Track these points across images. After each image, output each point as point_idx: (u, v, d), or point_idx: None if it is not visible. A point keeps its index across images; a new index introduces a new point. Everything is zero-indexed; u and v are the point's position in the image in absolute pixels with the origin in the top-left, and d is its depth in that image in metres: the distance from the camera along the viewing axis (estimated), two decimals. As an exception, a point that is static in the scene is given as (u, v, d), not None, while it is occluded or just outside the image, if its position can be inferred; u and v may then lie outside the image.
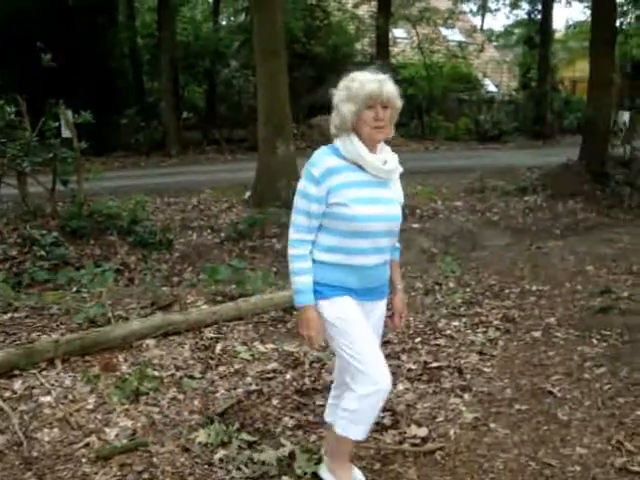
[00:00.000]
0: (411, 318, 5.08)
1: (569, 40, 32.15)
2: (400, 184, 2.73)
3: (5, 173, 8.61)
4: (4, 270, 6.86)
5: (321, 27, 21.69)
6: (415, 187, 11.91)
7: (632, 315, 4.85)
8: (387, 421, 3.47)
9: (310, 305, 2.60)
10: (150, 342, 4.44)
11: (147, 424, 3.44)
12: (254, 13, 11.93)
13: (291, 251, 2.63)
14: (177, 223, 9.84)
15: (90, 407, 3.61)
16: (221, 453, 3.15)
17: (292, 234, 2.63)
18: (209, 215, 10.50)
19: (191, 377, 4.01)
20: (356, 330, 2.59)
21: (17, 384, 3.80)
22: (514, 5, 31.48)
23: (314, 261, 2.61)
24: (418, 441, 3.28)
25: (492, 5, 38.96)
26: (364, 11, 24.14)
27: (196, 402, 3.71)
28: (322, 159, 2.57)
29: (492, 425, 3.41)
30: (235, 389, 3.89)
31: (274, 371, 4.15)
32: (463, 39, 28.21)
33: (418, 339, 4.70)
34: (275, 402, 3.74)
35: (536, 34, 24.46)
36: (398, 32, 26.10)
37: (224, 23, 24.41)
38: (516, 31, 34.69)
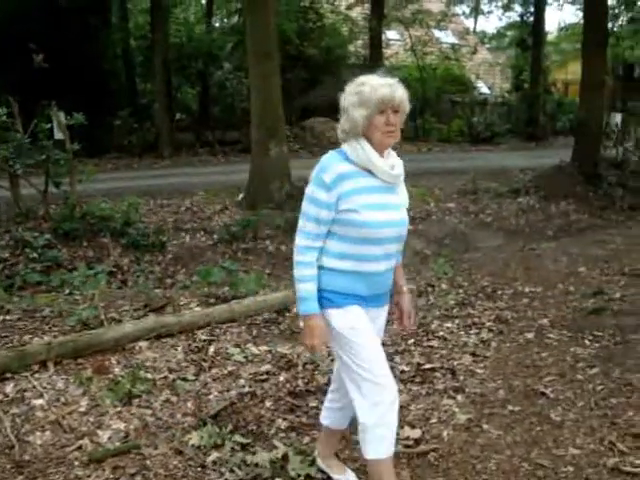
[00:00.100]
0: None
1: (561, 42, 32.34)
2: (405, 188, 2.72)
3: (-3, 175, 8.60)
4: (-4, 272, 6.84)
5: (314, 29, 21.70)
6: (408, 189, 11.89)
7: (624, 316, 4.87)
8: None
9: (315, 314, 2.57)
10: (143, 344, 4.43)
11: (140, 427, 3.43)
12: (247, 15, 11.93)
13: (298, 257, 2.57)
14: (170, 225, 9.81)
15: (82, 410, 3.59)
16: (214, 455, 3.14)
17: (300, 240, 2.57)
18: (202, 217, 10.48)
19: (184, 379, 3.99)
20: (365, 340, 2.56)
21: (9, 387, 3.78)
22: (506, 7, 31.61)
23: (323, 268, 2.57)
24: (411, 442, 3.28)
25: (485, 7, 39.12)
26: (357, 13, 24.16)
27: (189, 404, 3.70)
28: (332, 165, 2.52)
29: (485, 426, 3.41)
30: (228, 391, 3.88)
31: (267, 373, 4.14)
32: (456, 41, 28.26)
33: (411, 341, 4.70)
34: (268, 404, 3.74)
35: (528, 36, 24.55)
36: (391, 34, 26.14)
37: (217, 25, 24.40)
38: (509, 33, 34.79)
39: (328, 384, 3.85)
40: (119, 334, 4.39)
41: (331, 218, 2.53)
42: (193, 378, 4.03)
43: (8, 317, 5.02)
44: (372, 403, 2.54)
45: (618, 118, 15.79)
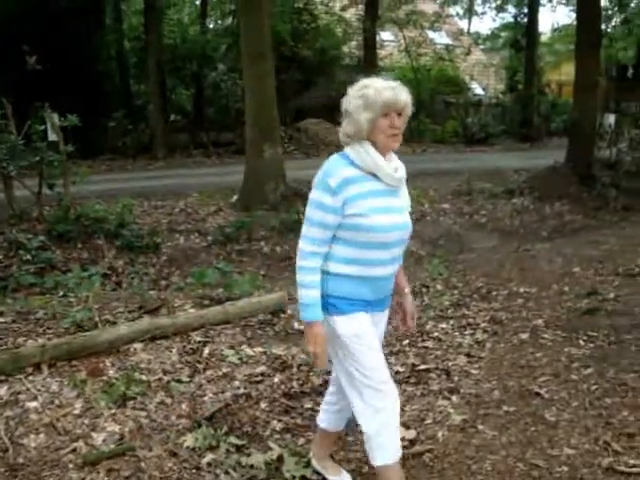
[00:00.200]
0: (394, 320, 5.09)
1: (555, 43, 32.49)
2: (407, 191, 2.72)
3: (-9, 177, 8.56)
4: (-10, 274, 6.82)
5: (308, 30, 21.72)
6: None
7: (618, 316, 4.88)
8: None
9: (319, 321, 2.54)
10: (137, 346, 4.41)
11: (134, 429, 3.42)
12: (241, 16, 11.94)
13: (302, 263, 2.53)
14: (164, 226, 9.80)
15: (77, 412, 3.57)
16: (209, 457, 3.14)
17: (304, 246, 2.54)
18: (196, 218, 10.47)
19: (179, 381, 3.98)
20: (368, 348, 2.56)
21: (3, 389, 3.76)
22: (500, 8, 31.63)
23: (329, 273, 2.54)
24: (406, 443, 3.27)
25: (479, 8, 39.11)
26: (351, 14, 24.20)
27: (184, 406, 3.69)
28: (337, 169, 2.49)
29: (480, 427, 3.42)
30: (223, 393, 3.87)
31: (262, 374, 4.14)
32: (450, 42, 28.36)
33: (406, 342, 4.70)
34: (263, 405, 3.73)
35: (522, 37, 24.62)
36: (385, 35, 26.22)
37: (211, 26, 24.38)
38: (502, 34, 34.83)
39: (323, 385, 3.86)
40: (113, 336, 4.38)
41: (337, 223, 2.50)
42: (188, 380, 4.02)
43: (2, 319, 4.99)
44: (374, 410, 2.54)
45: (612, 119, 15.86)
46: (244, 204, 10.88)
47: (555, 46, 32.59)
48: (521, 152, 19.74)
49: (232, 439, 3.29)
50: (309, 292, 2.52)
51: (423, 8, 25.64)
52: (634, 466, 2.93)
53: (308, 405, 3.73)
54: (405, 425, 3.46)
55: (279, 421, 3.55)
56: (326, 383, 3.84)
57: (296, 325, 4.94)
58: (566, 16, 65.50)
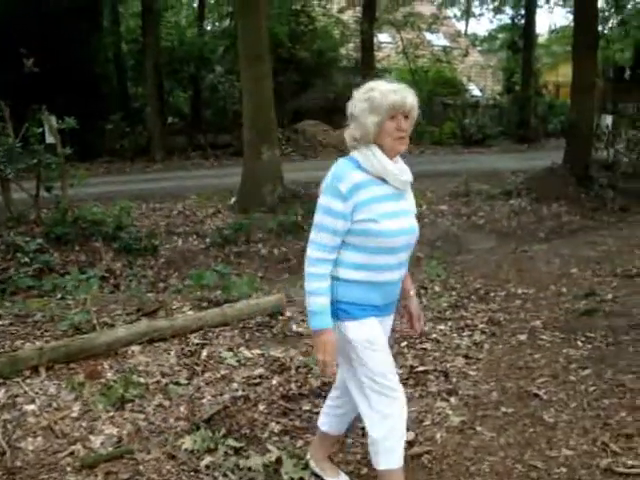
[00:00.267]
0: (397, 322, 5.08)
1: (552, 45, 32.57)
2: (412, 194, 2.71)
3: (-12, 180, 8.56)
4: (-13, 277, 6.81)
5: (306, 32, 21.73)
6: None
7: (616, 317, 4.88)
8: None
9: (328, 329, 2.49)
10: (135, 349, 4.41)
11: (133, 431, 3.41)
12: (238, 18, 11.95)
13: (310, 269, 2.49)
14: (162, 229, 9.80)
15: (75, 415, 3.57)
16: (207, 460, 3.13)
17: (313, 252, 2.49)
18: (194, 221, 10.47)
19: (177, 383, 3.98)
20: (379, 353, 2.54)
21: (0, 392, 3.76)
22: (497, 10, 31.76)
23: (338, 279, 2.51)
24: (405, 445, 3.27)
25: (476, 10, 39.40)
26: (349, 16, 24.22)
27: (182, 408, 3.68)
28: (347, 173, 2.46)
29: (478, 428, 3.41)
30: (221, 395, 3.86)
31: (260, 377, 4.13)
32: (447, 44, 28.39)
33: (404, 343, 4.70)
34: (262, 408, 3.73)
35: (519, 39, 24.62)
36: (383, 37, 26.25)
37: (209, 28, 24.37)
38: (500, 36, 34.94)
39: (321, 387, 3.86)
40: (111, 339, 4.37)
41: (347, 229, 2.47)
42: (186, 382, 4.01)
43: (0, 322, 4.99)
44: (382, 416, 2.54)
45: (609, 120, 15.85)
46: (242, 206, 10.88)
47: (552, 47, 32.67)
48: (518, 153, 19.76)
49: (230, 441, 3.28)
50: (317, 299, 2.48)
51: (420, 10, 25.68)
52: (632, 467, 2.93)
53: (306, 407, 3.73)
54: (403, 427, 3.46)
55: (277, 423, 3.55)
56: (324, 385, 3.85)
57: (294, 327, 4.94)
58: (563, 17, 65.57)
